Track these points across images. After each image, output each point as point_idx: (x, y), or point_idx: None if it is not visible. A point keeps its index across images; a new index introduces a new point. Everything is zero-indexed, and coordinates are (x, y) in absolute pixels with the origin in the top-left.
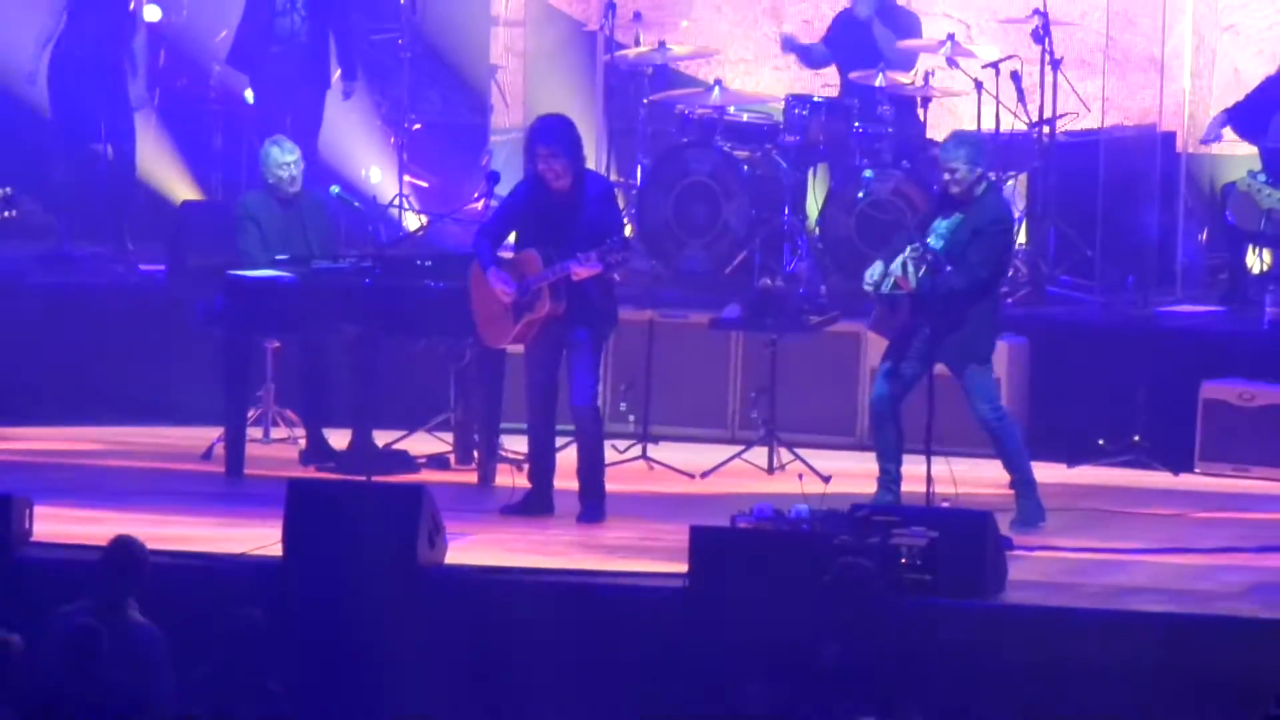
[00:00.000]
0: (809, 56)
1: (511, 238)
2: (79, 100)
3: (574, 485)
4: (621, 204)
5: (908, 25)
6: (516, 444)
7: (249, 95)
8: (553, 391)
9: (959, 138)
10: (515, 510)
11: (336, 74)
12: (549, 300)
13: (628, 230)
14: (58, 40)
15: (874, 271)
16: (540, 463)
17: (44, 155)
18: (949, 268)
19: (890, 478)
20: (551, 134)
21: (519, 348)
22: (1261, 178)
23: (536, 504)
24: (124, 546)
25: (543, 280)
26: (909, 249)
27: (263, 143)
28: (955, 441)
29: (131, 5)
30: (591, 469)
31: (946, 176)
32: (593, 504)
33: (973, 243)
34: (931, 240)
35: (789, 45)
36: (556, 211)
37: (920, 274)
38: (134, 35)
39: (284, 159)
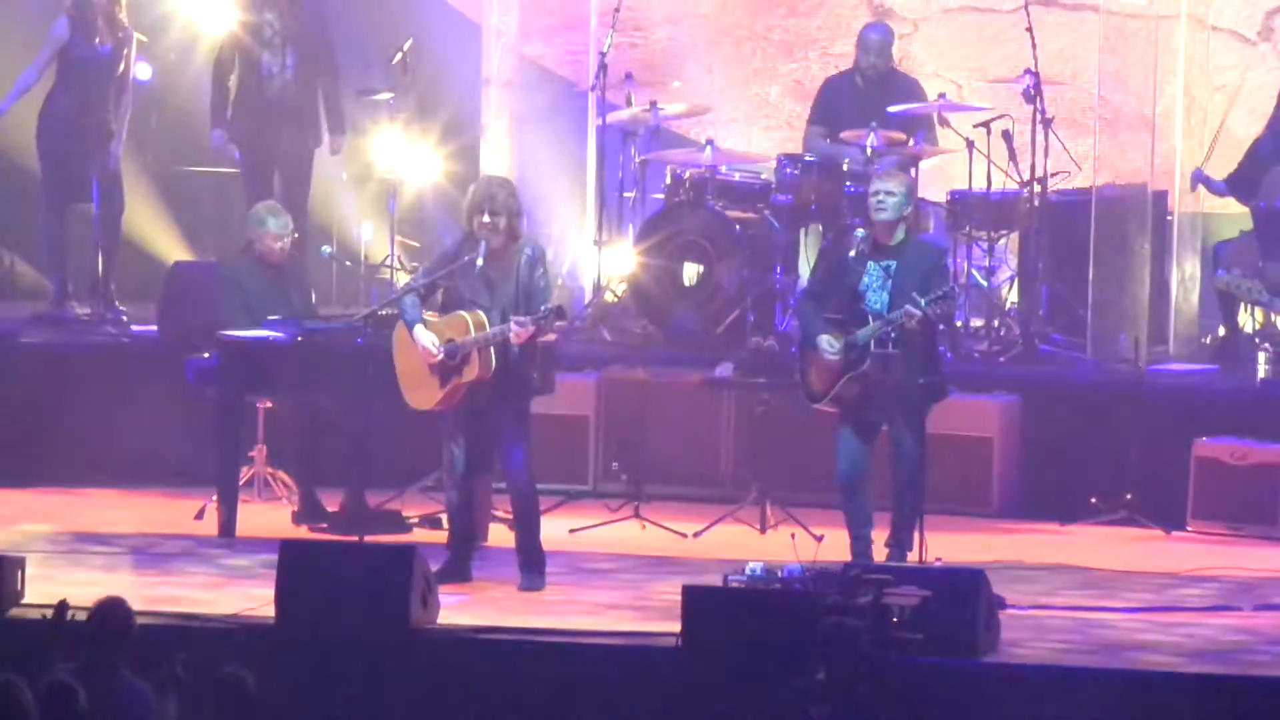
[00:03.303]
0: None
1: None
2: (67, 161)
3: (560, 546)
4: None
5: (909, 90)
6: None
7: (235, 154)
8: (473, 461)
9: (894, 163)
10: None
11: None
12: (478, 365)
13: (620, 289)
14: (47, 100)
15: (862, 335)
16: (458, 529)
17: (36, 215)
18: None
19: (866, 543)
20: (496, 195)
21: None
22: (1236, 271)
23: (453, 572)
24: (110, 608)
25: (474, 345)
26: (939, 294)
27: (253, 204)
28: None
29: (121, 67)
30: (527, 535)
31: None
32: (530, 575)
33: (933, 277)
34: (872, 296)
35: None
36: (486, 272)
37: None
38: (123, 95)
39: (280, 231)
